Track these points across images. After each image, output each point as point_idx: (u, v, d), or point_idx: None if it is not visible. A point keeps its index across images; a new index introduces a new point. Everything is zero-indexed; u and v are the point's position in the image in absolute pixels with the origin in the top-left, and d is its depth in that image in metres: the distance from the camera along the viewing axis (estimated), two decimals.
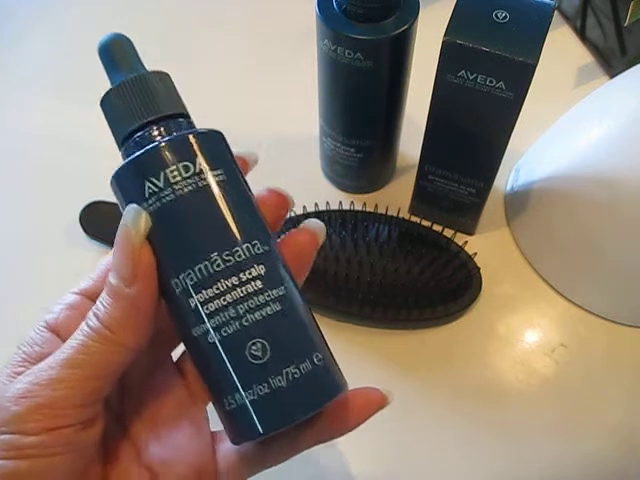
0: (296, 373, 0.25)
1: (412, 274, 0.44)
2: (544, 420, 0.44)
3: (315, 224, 0.30)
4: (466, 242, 0.47)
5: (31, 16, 0.63)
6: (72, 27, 0.63)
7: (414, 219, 0.47)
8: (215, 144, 0.28)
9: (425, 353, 0.46)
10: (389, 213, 0.47)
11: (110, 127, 0.28)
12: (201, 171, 0.26)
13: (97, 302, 0.26)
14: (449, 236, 0.47)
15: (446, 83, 0.38)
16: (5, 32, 0.62)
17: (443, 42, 0.37)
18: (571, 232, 0.46)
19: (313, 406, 0.26)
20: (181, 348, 0.30)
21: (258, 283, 0.26)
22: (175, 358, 0.32)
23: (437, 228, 0.47)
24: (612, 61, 0.58)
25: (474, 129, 0.41)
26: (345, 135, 0.47)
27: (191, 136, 0.27)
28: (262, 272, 0.26)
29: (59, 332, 0.28)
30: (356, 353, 0.46)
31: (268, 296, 0.26)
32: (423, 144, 0.44)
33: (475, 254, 0.47)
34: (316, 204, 0.47)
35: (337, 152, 0.48)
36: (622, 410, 0.44)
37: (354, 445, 0.42)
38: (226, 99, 0.56)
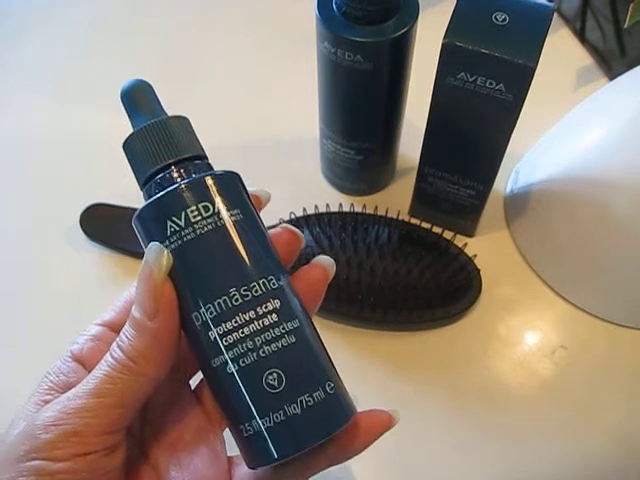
0: (310, 401, 0.27)
1: (412, 276, 0.44)
2: (544, 421, 0.44)
3: (326, 260, 0.31)
4: (466, 244, 0.47)
5: (30, 16, 0.63)
6: (72, 27, 0.62)
7: (414, 221, 0.47)
8: (232, 185, 0.29)
9: (425, 355, 0.46)
10: (389, 215, 0.47)
11: (132, 169, 0.30)
12: (220, 211, 0.28)
13: (121, 334, 0.28)
14: (449, 238, 0.47)
15: (446, 85, 0.38)
16: (4, 32, 0.62)
17: (443, 44, 0.37)
18: (571, 234, 0.46)
19: (325, 432, 0.27)
20: (198, 376, 0.31)
21: (274, 316, 0.27)
22: (193, 386, 0.33)
23: (437, 230, 0.47)
24: (612, 63, 0.58)
25: (474, 131, 0.41)
26: (345, 137, 0.47)
27: (210, 178, 0.28)
28: (277, 306, 0.27)
29: (84, 362, 0.30)
30: (356, 355, 0.46)
31: (283, 328, 0.27)
32: (423, 146, 0.44)
33: (475, 256, 0.47)
34: (316, 206, 0.47)
35: (337, 154, 0.48)
36: (622, 411, 0.44)
37: None
38: (226, 101, 0.56)
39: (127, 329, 0.27)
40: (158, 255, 0.27)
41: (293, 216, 0.47)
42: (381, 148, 0.49)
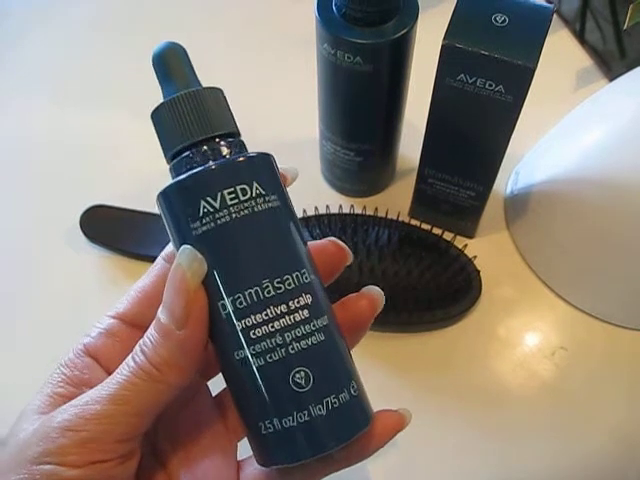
0: (335, 403, 0.26)
1: (412, 277, 0.44)
2: (544, 422, 0.44)
3: (375, 291, 0.30)
4: (466, 245, 0.47)
5: (30, 16, 0.63)
6: (72, 27, 0.62)
7: (414, 222, 0.47)
8: (269, 168, 0.27)
9: (425, 356, 0.46)
10: (389, 216, 0.47)
11: (160, 140, 0.28)
12: (258, 195, 0.26)
13: (144, 337, 0.26)
14: (449, 239, 0.47)
15: (445, 87, 0.38)
16: (4, 32, 0.62)
17: (442, 46, 0.37)
18: (571, 235, 0.46)
19: (348, 435, 0.26)
20: (221, 385, 0.30)
21: (305, 312, 0.26)
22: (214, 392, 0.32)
23: (437, 231, 0.47)
24: (611, 64, 0.58)
25: (474, 132, 0.41)
26: (345, 139, 0.47)
27: (249, 159, 0.27)
28: (309, 301, 0.26)
29: (98, 358, 0.29)
30: (356, 356, 0.45)
31: (313, 326, 0.26)
32: (423, 147, 0.44)
33: (475, 257, 0.47)
34: (316, 208, 0.47)
35: (337, 156, 0.48)
36: (621, 412, 0.44)
37: None
38: None
39: (152, 333, 0.26)
40: (192, 259, 0.25)
41: None
42: (381, 149, 0.49)
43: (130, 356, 0.26)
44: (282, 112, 0.56)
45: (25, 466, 0.25)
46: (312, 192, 0.52)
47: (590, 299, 0.47)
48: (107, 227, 0.50)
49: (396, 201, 0.50)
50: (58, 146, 0.56)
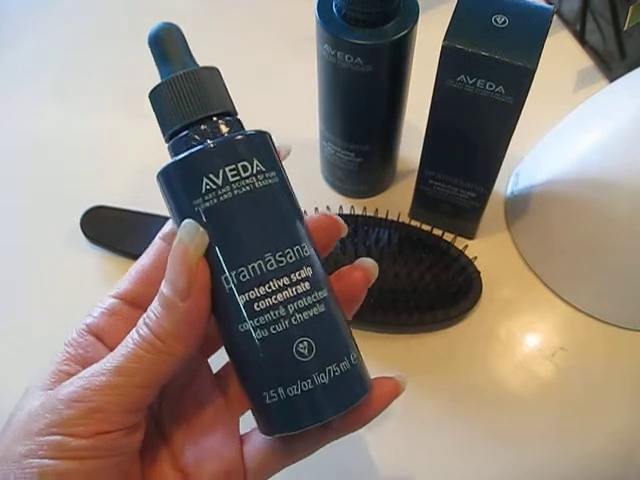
0: (337, 371, 0.27)
1: (412, 278, 0.44)
2: (544, 423, 0.44)
3: (368, 262, 0.31)
4: (466, 246, 0.47)
5: (30, 16, 0.63)
6: (72, 27, 0.63)
7: (414, 223, 0.47)
8: (268, 146, 0.28)
9: (425, 357, 0.46)
10: (389, 217, 0.47)
11: (158, 120, 0.28)
12: (258, 172, 0.27)
13: (148, 311, 0.27)
14: (449, 240, 0.47)
15: (446, 88, 0.38)
16: (4, 32, 0.62)
17: (443, 47, 0.37)
18: (571, 236, 0.46)
19: (349, 403, 0.27)
20: (223, 359, 0.31)
21: (306, 284, 0.27)
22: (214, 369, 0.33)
23: (437, 232, 0.47)
24: (612, 65, 0.58)
25: (474, 133, 0.41)
26: (345, 139, 0.47)
27: (248, 137, 0.27)
28: (309, 274, 0.27)
29: (102, 337, 0.29)
30: None
31: (314, 297, 0.27)
32: (423, 148, 0.44)
33: (475, 258, 0.47)
34: (316, 209, 0.47)
35: (337, 156, 0.48)
36: (622, 413, 0.44)
37: (354, 447, 0.42)
38: None
39: (155, 306, 0.26)
40: (193, 232, 0.26)
41: None
42: (381, 150, 0.49)
43: (134, 329, 0.27)
44: (282, 113, 0.56)
45: (32, 438, 0.25)
46: (312, 193, 0.52)
47: (590, 300, 0.47)
48: (108, 228, 0.50)
49: (396, 202, 0.50)
50: (59, 147, 0.56)
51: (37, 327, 0.48)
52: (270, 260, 0.26)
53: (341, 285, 0.29)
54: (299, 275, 0.27)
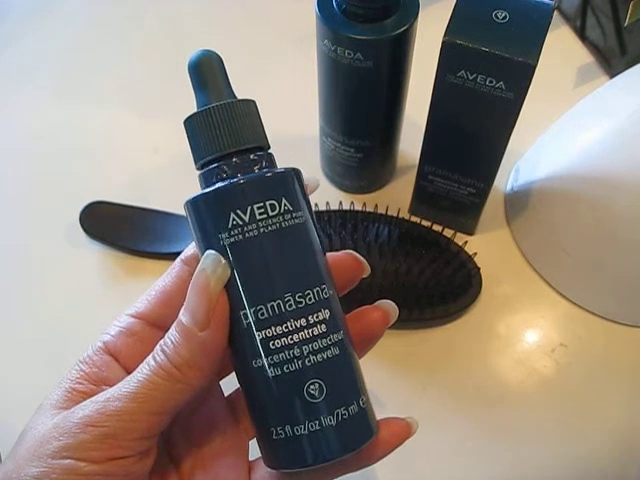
0: (345, 414, 0.27)
1: (412, 274, 0.44)
2: (544, 419, 0.44)
3: (389, 305, 0.31)
4: (466, 242, 0.47)
5: (30, 16, 0.63)
6: (72, 26, 0.62)
7: (414, 219, 0.47)
8: (297, 184, 0.28)
9: (425, 353, 0.46)
10: (389, 213, 0.47)
11: (191, 147, 0.28)
12: (286, 211, 0.27)
13: (165, 337, 0.27)
14: (449, 236, 0.47)
15: (446, 83, 0.38)
16: (4, 32, 0.62)
17: (443, 42, 0.37)
18: (571, 232, 0.46)
19: (355, 446, 0.28)
20: (234, 385, 0.31)
21: (323, 327, 0.27)
22: (226, 393, 0.33)
23: (437, 228, 0.47)
24: (612, 61, 0.58)
25: (474, 129, 0.41)
26: (345, 135, 0.47)
27: (279, 175, 0.28)
28: (327, 316, 0.27)
29: (117, 357, 0.29)
30: None
31: (330, 340, 0.27)
32: (423, 144, 0.44)
33: (475, 254, 0.47)
34: (316, 204, 0.47)
35: (337, 152, 0.48)
36: (622, 409, 0.44)
37: None
38: None
39: (173, 333, 0.27)
40: (216, 264, 0.26)
41: None
42: (381, 146, 0.49)
43: (151, 355, 0.27)
44: (282, 109, 0.56)
45: (44, 460, 0.25)
46: None
47: (590, 296, 0.47)
48: (107, 223, 0.50)
49: (396, 198, 0.50)
50: (58, 142, 0.55)
51: (36, 322, 0.48)
52: (290, 301, 0.26)
53: (359, 324, 0.30)
54: (317, 317, 0.27)
